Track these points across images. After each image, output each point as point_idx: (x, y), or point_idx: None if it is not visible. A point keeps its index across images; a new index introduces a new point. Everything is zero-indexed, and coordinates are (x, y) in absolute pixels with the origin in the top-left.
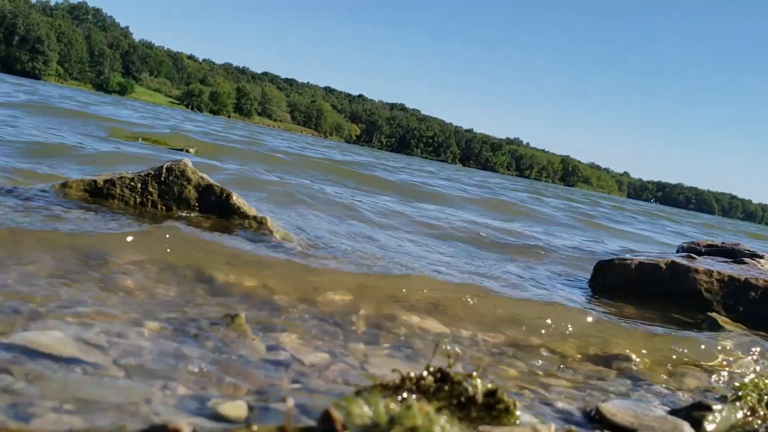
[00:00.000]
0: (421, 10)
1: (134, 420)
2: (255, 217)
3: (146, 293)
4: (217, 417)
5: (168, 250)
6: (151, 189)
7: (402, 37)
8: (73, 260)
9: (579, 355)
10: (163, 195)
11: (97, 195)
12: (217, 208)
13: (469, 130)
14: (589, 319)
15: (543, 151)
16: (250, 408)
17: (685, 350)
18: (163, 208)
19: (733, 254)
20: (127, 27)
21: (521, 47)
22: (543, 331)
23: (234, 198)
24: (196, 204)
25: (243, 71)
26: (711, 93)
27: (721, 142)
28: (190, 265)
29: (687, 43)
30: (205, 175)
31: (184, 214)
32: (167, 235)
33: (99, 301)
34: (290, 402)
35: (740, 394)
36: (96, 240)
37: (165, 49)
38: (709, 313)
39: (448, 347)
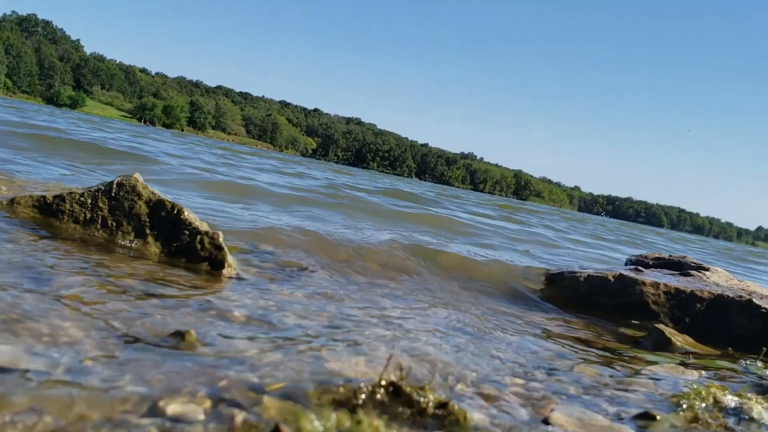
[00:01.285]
0: (376, 25)
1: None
2: (207, 233)
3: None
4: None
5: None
6: (101, 205)
7: (357, 52)
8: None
9: (530, 364)
10: (113, 211)
11: (47, 212)
12: (168, 224)
13: (425, 145)
14: (538, 330)
15: (497, 165)
16: (205, 412)
17: (630, 363)
18: (114, 224)
19: (680, 266)
20: (78, 40)
21: (474, 63)
22: (496, 333)
23: (185, 213)
24: (147, 219)
25: (197, 85)
26: (660, 109)
27: (670, 156)
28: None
29: (634, 59)
30: (156, 190)
31: (127, 243)
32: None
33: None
34: (239, 418)
35: (684, 403)
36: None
37: (117, 62)
38: (656, 325)
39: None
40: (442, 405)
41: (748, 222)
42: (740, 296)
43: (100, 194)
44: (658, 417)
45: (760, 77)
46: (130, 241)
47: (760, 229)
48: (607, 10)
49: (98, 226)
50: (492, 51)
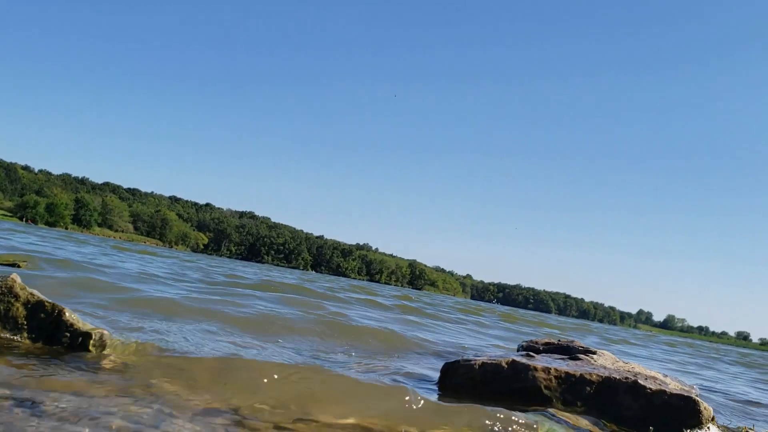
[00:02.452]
0: (268, 113)
1: None
2: (88, 333)
3: None
4: None
5: None
6: None
7: (249, 144)
8: None
9: None
10: None
11: None
12: (48, 326)
13: (320, 237)
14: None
15: (391, 255)
16: None
17: None
18: None
19: (569, 351)
20: None
21: (363, 155)
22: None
23: (66, 315)
24: (25, 322)
25: (83, 181)
26: (541, 200)
27: (554, 245)
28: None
29: (514, 143)
30: (35, 291)
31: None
32: None
33: None
34: None
35: None
36: None
37: None
38: (549, 409)
39: None
40: None
41: (629, 305)
42: (626, 378)
43: None
44: None
45: (633, 170)
46: (8, 344)
47: (640, 312)
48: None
49: None
50: (379, 143)
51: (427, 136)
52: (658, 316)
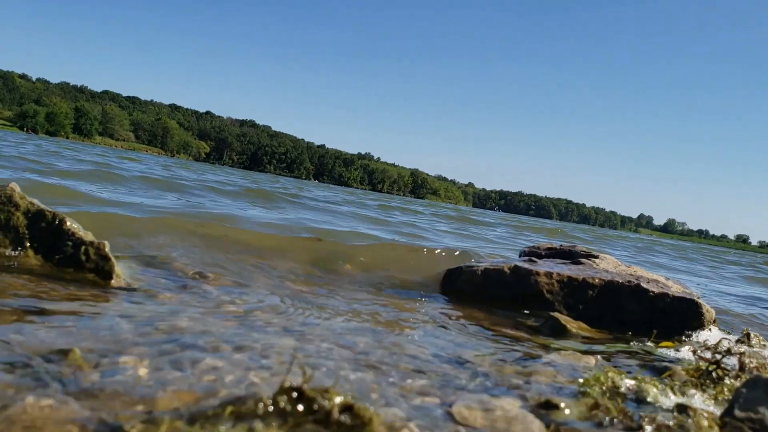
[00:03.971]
0: (269, 23)
1: None
2: (92, 243)
3: None
4: None
5: None
6: None
7: (249, 52)
8: None
9: (434, 358)
10: None
11: None
12: (49, 236)
13: (321, 146)
14: (437, 324)
15: (393, 165)
16: None
17: (531, 351)
18: None
19: (571, 255)
20: None
21: (366, 63)
22: (398, 331)
23: (68, 224)
24: (26, 232)
25: (81, 90)
26: (543, 105)
27: (556, 151)
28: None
29: (516, 57)
30: (35, 200)
31: (7, 256)
32: None
33: None
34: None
35: (584, 389)
36: None
37: None
38: (551, 313)
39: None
40: (348, 408)
41: (630, 210)
42: (629, 281)
43: None
44: (561, 405)
45: (637, 80)
46: (9, 255)
47: (641, 216)
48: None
49: None
50: (384, 51)
51: (428, 40)
52: (659, 220)
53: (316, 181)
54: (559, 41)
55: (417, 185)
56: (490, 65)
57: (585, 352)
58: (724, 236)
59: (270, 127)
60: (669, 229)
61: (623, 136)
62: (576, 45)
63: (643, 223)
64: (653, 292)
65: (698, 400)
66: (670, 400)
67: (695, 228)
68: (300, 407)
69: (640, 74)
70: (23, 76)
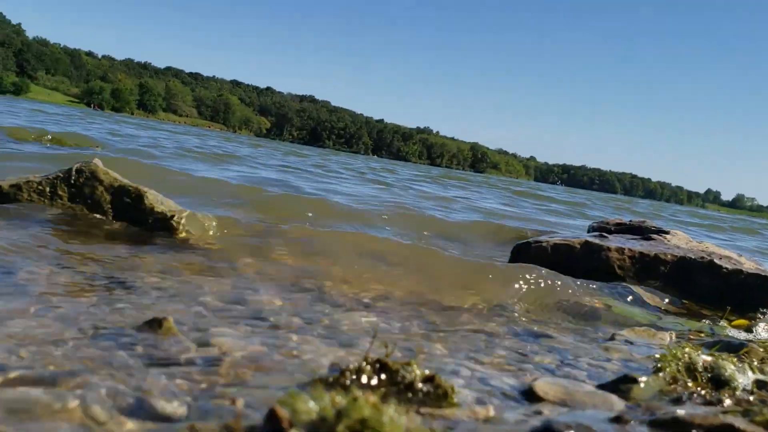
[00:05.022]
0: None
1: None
2: (172, 215)
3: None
4: (158, 416)
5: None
6: (60, 192)
7: (309, 28)
8: None
9: (508, 333)
10: (73, 198)
11: (5, 201)
12: (132, 209)
13: (380, 121)
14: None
15: (452, 139)
16: (189, 406)
17: (605, 326)
18: (75, 211)
19: (641, 231)
20: (20, 24)
21: (426, 36)
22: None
23: (150, 197)
24: (109, 206)
25: (145, 66)
26: (607, 77)
27: (620, 123)
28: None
29: (581, 30)
30: (117, 175)
31: (93, 226)
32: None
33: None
34: (239, 403)
35: (661, 365)
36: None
37: (62, 46)
38: (625, 285)
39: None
40: (429, 379)
41: (697, 185)
42: (702, 257)
43: (59, 182)
44: (639, 380)
45: (709, 51)
46: (95, 226)
47: (708, 191)
48: None
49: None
50: (443, 23)
51: (491, 10)
52: (727, 195)
53: (375, 156)
54: (628, 11)
55: (477, 159)
56: (554, 37)
57: (659, 329)
58: None
59: (329, 102)
60: (738, 204)
61: (690, 109)
62: (646, 18)
63: (710, 198)
64: (726, 268)
65: None
66: (748, 377)
67: (766, 204)
68: (385, 378)
69: (706, 46)
70: (89, 54)
